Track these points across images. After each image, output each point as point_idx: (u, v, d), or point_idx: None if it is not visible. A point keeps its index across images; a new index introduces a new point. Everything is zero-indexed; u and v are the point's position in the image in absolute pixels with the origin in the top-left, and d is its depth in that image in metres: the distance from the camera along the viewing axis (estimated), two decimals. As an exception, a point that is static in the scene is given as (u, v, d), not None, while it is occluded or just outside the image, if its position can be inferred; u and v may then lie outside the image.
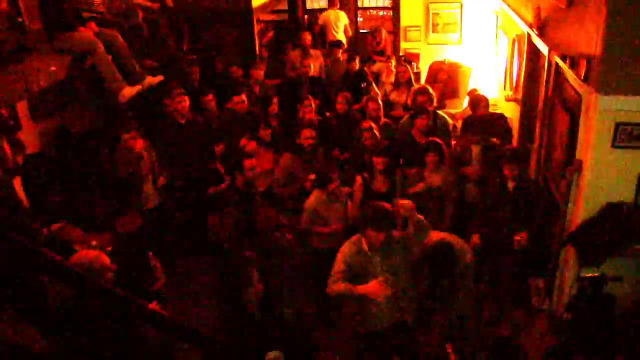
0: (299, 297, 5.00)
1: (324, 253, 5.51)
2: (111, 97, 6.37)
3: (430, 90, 7.00)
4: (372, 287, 4.16)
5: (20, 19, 5.82)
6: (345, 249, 4.42)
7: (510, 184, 5.32)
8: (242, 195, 5.54)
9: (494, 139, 6.16)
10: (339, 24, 10.93)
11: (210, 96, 7.39)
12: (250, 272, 3.98)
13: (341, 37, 10.82)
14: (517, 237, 5.20)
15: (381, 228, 4.19)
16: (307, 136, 6.30)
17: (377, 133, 6.45)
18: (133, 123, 6.31)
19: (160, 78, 6.74)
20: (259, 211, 5.54)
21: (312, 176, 5.98)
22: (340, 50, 9.23)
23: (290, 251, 5.49)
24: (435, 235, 4.60)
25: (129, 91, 6.29)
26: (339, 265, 4.35)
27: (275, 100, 7.61)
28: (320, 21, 11.05)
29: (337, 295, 4.39)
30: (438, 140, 5.92)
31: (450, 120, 7.28)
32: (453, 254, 4.38)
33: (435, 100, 7.10)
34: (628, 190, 4.51)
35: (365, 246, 4.33)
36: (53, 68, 5.62)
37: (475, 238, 5.42)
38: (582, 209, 4.67)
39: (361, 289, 4.21)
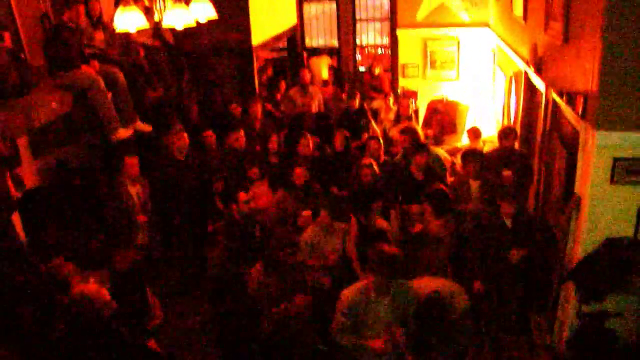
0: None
1: (321, 291, 5.46)
2: (106, 136, 6.44)
3: (419, 129, 7.09)
4: (379, 345, 4.06)
5: (22, 55, 5.90)
6: (349, 295, 4.20)
7: (508, 221, 5.29)
8: (237, 228, 5.50)
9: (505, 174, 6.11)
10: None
11: (210, 132, 7.36)
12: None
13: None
14: (513, 252, 5.18)
15: (392, 275, 4.05)
16: (298, 175, 6.42)
17: (376, 169, 6.45)
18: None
19: (148, 128, 6.89)
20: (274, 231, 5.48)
21: (306, 212, 6.02)
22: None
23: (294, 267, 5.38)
24: (425, 284, 4.45)
25: (123, 133, 6.41)
26: (341, 313, 4.16)
27: (274, 137, 7.61)
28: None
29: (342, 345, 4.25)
30: (442, 187, 5.73)
31: (448, 157, 7.31)
32: (441, 310, 4.26)
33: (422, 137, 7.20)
34: (627, 226, 4.49)
35: (372, 293, 4.15)
36: (54, 104, 5.67)
37: (477, 285, 5.34)
38: (581, 244, 4.65)
39: (368, 345, 4.10)
